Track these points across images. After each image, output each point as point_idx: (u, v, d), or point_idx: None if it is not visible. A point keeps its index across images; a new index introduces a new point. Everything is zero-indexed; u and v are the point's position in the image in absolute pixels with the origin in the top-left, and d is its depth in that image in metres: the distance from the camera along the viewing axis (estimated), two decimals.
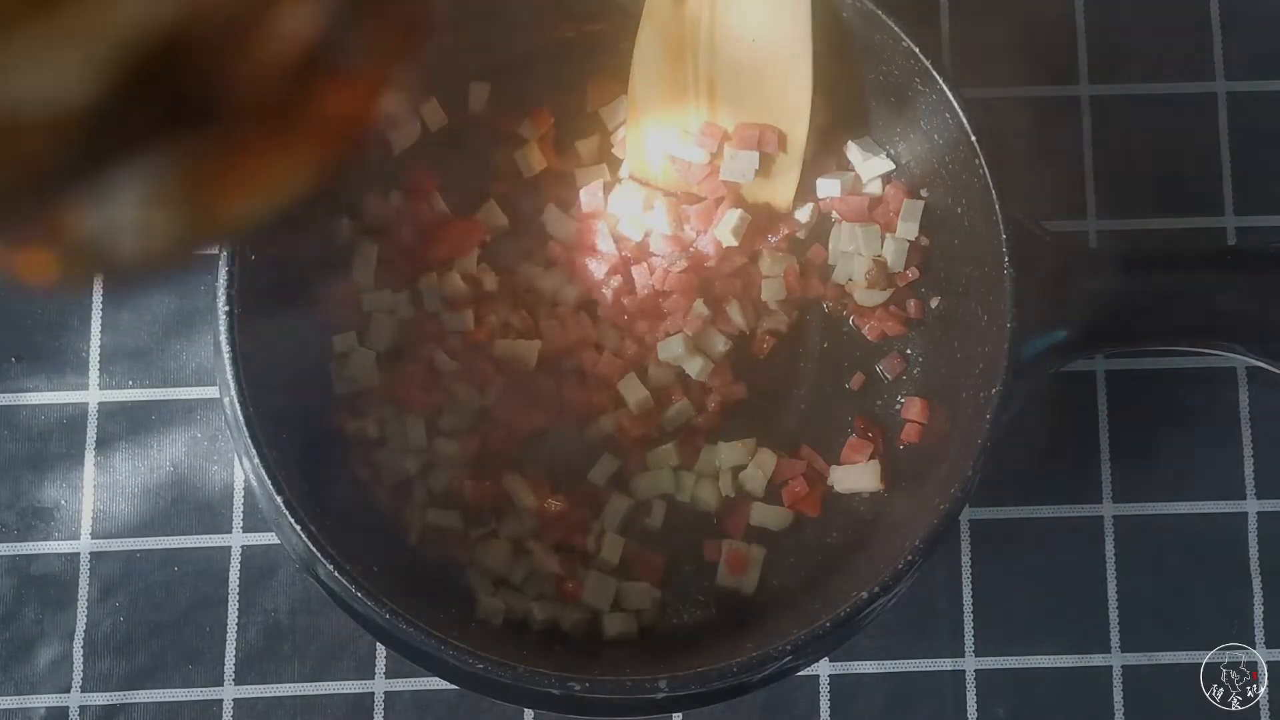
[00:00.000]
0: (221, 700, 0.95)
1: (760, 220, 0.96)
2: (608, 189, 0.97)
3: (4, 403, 0.98)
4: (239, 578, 0.96)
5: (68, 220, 0.39)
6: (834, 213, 0.98)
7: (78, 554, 0.96)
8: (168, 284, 0.99)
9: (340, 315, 0.93)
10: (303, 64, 0.40)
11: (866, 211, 0.96)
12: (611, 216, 0.97)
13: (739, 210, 0.94)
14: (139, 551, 0.96)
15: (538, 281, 0.96)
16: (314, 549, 0.78)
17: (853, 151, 0.97)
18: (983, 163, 0.85)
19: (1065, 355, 0.88)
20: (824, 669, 0.96)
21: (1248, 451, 1.00)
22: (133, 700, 0.94)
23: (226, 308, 0.81)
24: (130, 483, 0.97)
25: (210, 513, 0.97)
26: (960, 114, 0.86)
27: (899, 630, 0.97)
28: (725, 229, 0.94)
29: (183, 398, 0.98)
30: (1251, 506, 1.00)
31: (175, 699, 0.95)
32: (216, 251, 0.82)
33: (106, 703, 0.94)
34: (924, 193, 0.95)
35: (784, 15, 0.90)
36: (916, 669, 0.97)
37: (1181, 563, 0.99)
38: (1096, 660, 0.98)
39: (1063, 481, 1.00)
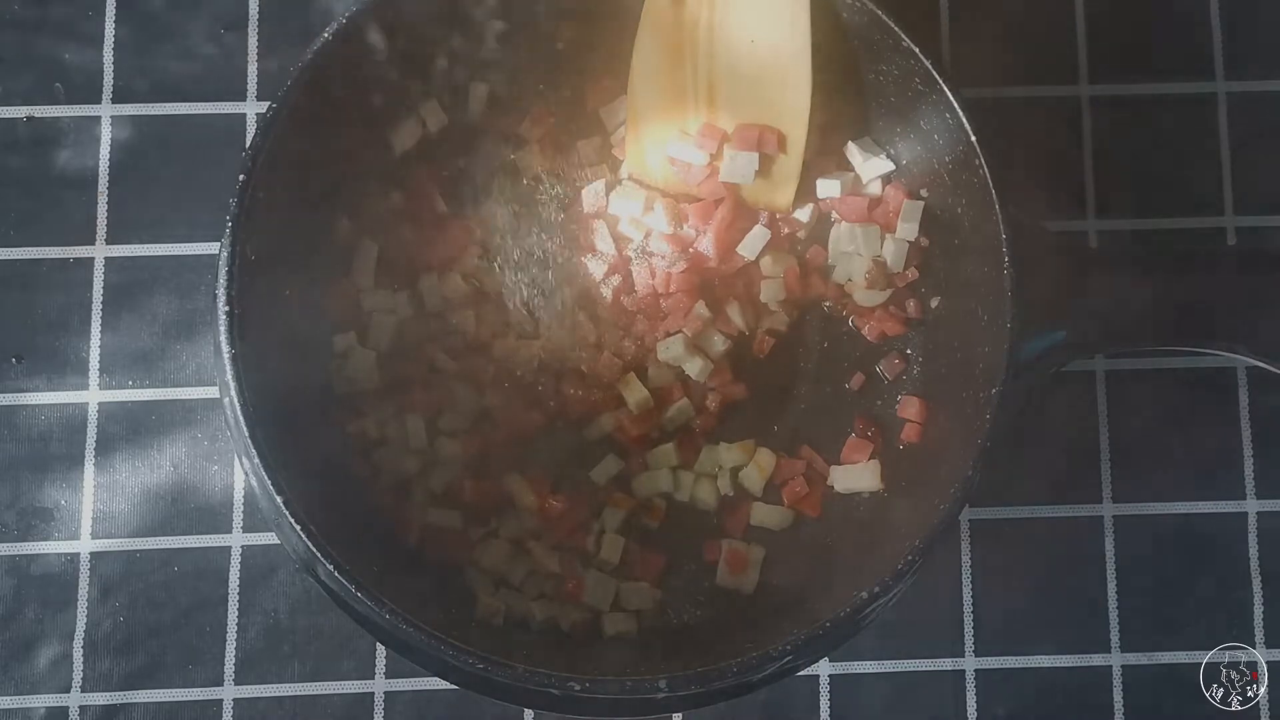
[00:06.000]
0: (221, 700, 0.95)
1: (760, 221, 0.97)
2: (608, 189, 0.97)
3: (4, 403, 0.98)
4: (239, 578, 0.96)
5: None
6: (834, 213, 0.98)
7: (78, 554, 0.96)
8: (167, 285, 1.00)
9: (340, 315, 0.93)
10: None
11: (866, 212, 0.96)
12: (611, 216, 0.97)
13: (763, 228, 0.95)
14: (139, 552, 0.96)
15: (538, 281, 0.96)
16: (314, 549, 0.78)
17: (853, 151, 0.97)
18: (983, 163, 0.85)
19: (1065, 355, 0.88)
20: (824, 669, 0.97)
21: (1248, 451, 1.00)
22: (133, 700, 0.94)
23: (226, 308, 0.81)
24: (130, 483, 0.97)
25: (210, 513, 0.97)
26: (960, 114, 0.86)
27: (899, 630, 0.97)
28: (748, 245, 0.95)
29: (183, 398, 0.98)
30: (1251, 506, 1.00)
31: (175, 699, 0.95)
32: (217, 251, 0.82)
33: (106, 703, 0.94)
34: (924, 193, 0.95)
35: (783, 16, 0.90)
36: (916, 669, 0.97)
37: (1181, 563, 0.99)
38: (1096, 660, 0.98)
39: (1063, 481, 1.00)
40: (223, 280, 0.81)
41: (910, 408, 0.95)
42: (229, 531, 0.97)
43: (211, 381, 0.98)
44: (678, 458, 0.95)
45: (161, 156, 1.01)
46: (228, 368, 0.80)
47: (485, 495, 0.92)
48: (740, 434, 0.95)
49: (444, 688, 0.92)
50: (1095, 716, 0.97)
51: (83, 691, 0.95)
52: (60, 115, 1.01)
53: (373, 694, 0.95)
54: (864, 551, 0.90)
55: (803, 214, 0.97)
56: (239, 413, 0.80)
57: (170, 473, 0.97)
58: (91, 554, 0.96)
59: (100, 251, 0.99)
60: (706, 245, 0.95)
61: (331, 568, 0.78)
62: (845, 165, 0.98)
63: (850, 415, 0.96)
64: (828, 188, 0.96)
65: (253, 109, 1.02)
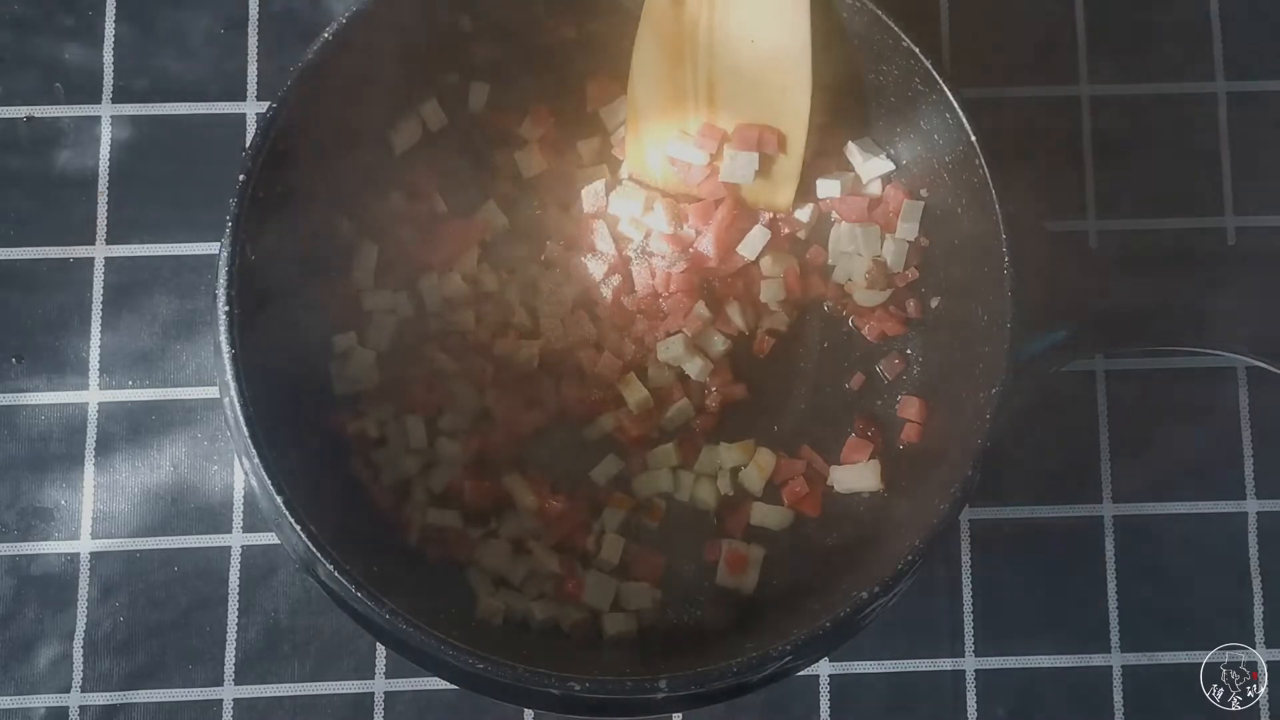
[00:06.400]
0: (221, 700, 0.95)
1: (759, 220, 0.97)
2: (608, 189, 0.97)
3: (4, 403, 0.98)
4: (239, 578, 0.96)
5: None
6: (834, 213, 0.98)
7: (78, 554, 0.96)
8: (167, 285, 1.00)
9: (340, 315, 0.93)
10: None
11: (866, 212, 0.96)
12: (611, 216, 0.97)
13: (763, 228, 0.95)
14: (139, 552, 0.96)
15: (538, 281, 0.96)
16: (314, 549, 0.78)
17: (853, 151, 0.97)
18: (983, 163, 0.85)
19: (1065, 355, 0.88)
20: (824, 669, 0.97)
21: (1248, 451, 1.00)
22: (133, 700, 0.94)
23: (226, 308, 0.81)
24: (130, 483, 0.97)
25: (210, 513, 0.97)
26: (960, 114, 0.86)
27: (899, 630, 0.97)
28: (748, 245, 0.95)
29: (183, 398, 0.98)
30: (1251, 506, 1.00)
31: (175, 699, 0.95)
32: (217, 251, 0.82)
33: (106, 703, 0.94)
34: (924, 193, 0.95)
35: (783, 16, 0.90)
36: (916, 669, 0.97)
37: (1181, 563, 0.99)
38: (1096, 660, 0.98)
39: (1063, 481, 1.00)
40: (223, 280, 0.81)
41: (910, 408, 0.95)
42: (229, 531, 0.97)
43: (211, 381, 0.98)
44: (678, 458, 0.95)
45: (161, 156, 1.01)
46: (228, 368, 0.80)
47: (485, 495, 0.92)
48: (740, 434, 0.95)
49: (444, 688, 0.92)
50: (1095, 716, 0.97)
51: (83, 691, 0.95)
52: (60, 115, 1.01)
53: (373, 694, 0.95)
54: (864, 551, 0.90)
55: (803, 214, 0.97)
56: (239, 413, 0.80)
57: (170, 473, 0.97)
58: (91, 554, 0.96)
59: (100, 251, 0.99)
60: (706, 245, 0.95)
61: (331, 568, 0.78)
62: (845, 165, 0.98)
63: (850, 415, 0.96)
64: (828, 188, 0.96)
65: (253, 109, 1.02)
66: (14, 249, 0.99)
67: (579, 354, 0.95)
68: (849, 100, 0.95)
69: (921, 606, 0.97)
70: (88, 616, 0.95)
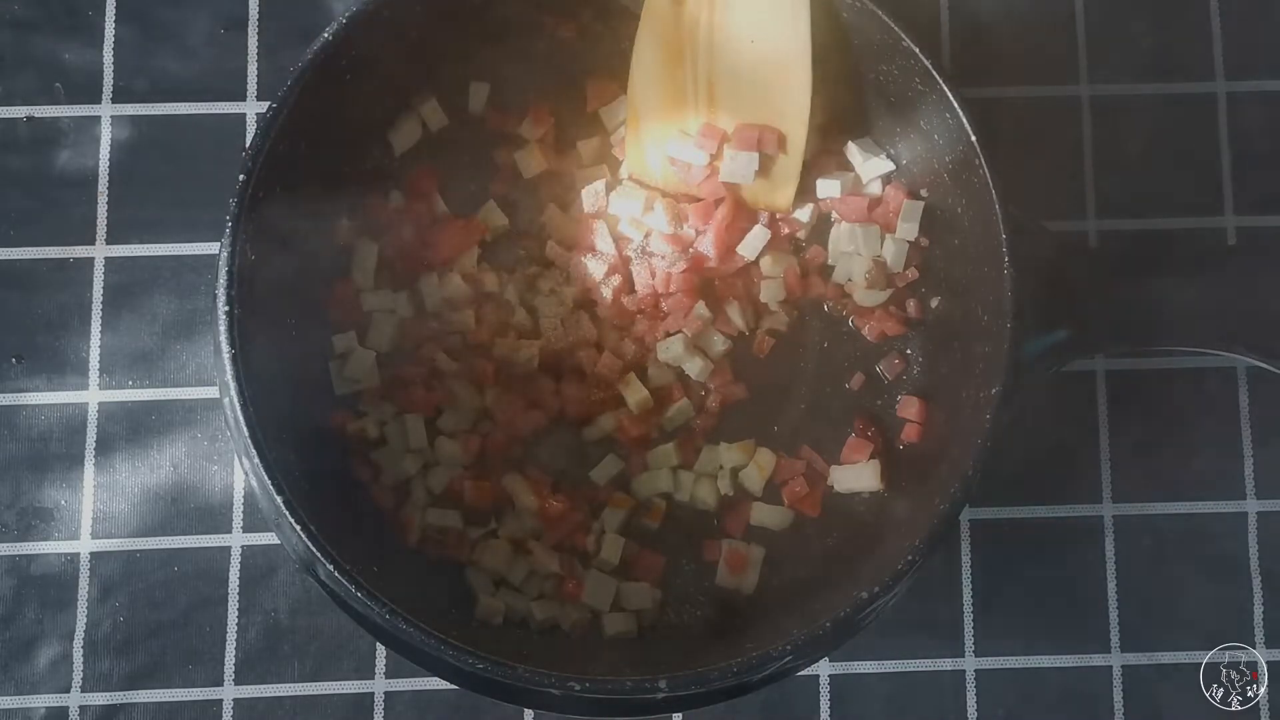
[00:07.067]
0: (221, 700, 0.95)
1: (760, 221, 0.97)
2: (608, 189, 0.97)
3: (4, 403, 0.98)
4: (239, 578, 0.96)
5: None
6: (834, 213, 0.98)
7: (78, 554, 0.96)
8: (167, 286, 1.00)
9: (340, 315, 0.93)
10: None
11: (866, 212, 0.96)
12: (611, 216, 0.97)
13: (763, 228, 0.95)
14: (139, 551, 0.96)
15: (538, 281, 0.96)
16: (314, 549, 0.78)
17: (853, 151, 0.97)
18: (983, 163, 0.85)
19: (1065, 355, 0.88)
20: (824, 669, 0.97)
21: (1248, 451, 1.00)
22: (133, 700, 0.94)
23: (226, 308, 0.81)
24: (130, 483, 0.97)
25: (210, 513, 0.97)
26: (960, 114, 0.86)
27: (899, 630, 0.97)
28: (748, 245, 0.95)
29: (183, 398, 0.98)
30: (1251, 506, 1.00)
31: (175, 699, 0.95)
32: (217, 252, 0.82)
33: (106, 703, 0.94)
34: (924, 193, 0.96)
35: (783, 16, 0.90)
36: (916, 669, 0.97)
37: (1181, 563, 0.99)
38: (1096, 660, 0.98)
39: (1063, 481, 1.00)
40: (223, 280, 0.81)
41: (910, 408, 0.95)
42: (229, 531, 0.97)
43: (211, 381, 0.98)
44: (678, 458, 0.95)
45: (161, 156, 1.01)
46: (228, 368, 0.80)
47: (485, 495, 0.92)
48: (740, 434, 0.95)
49: (444, 688, 0.92)
50: (1095, 716, 0.97)
51: (83, 691, 0.95)
52: (60, 115, 1.01)
53: (373, 694, 0.95)
54: (864, 551, 0.90)
55: (803, 214, 0.97)
56: (239, 413, 0.80)
57: (170, 473, 0.97)
58: (91, 554, 0.96)
59: (100, 251, 0.99)
60: (706, 245, 0.95)
61: (331, 568, 0.78)
62: (845, 165, 0.98)
63: (850, 415, 0.96)
64: (828, 188, 0.96)
65: (253, 109, 1.02)
66: (14, 249, 0.99)
67: (579, 354, 0.95)
68: (849, 100, 0.95)
69: (921, 606, 0.97)
70: (88, 616, 0.95)
